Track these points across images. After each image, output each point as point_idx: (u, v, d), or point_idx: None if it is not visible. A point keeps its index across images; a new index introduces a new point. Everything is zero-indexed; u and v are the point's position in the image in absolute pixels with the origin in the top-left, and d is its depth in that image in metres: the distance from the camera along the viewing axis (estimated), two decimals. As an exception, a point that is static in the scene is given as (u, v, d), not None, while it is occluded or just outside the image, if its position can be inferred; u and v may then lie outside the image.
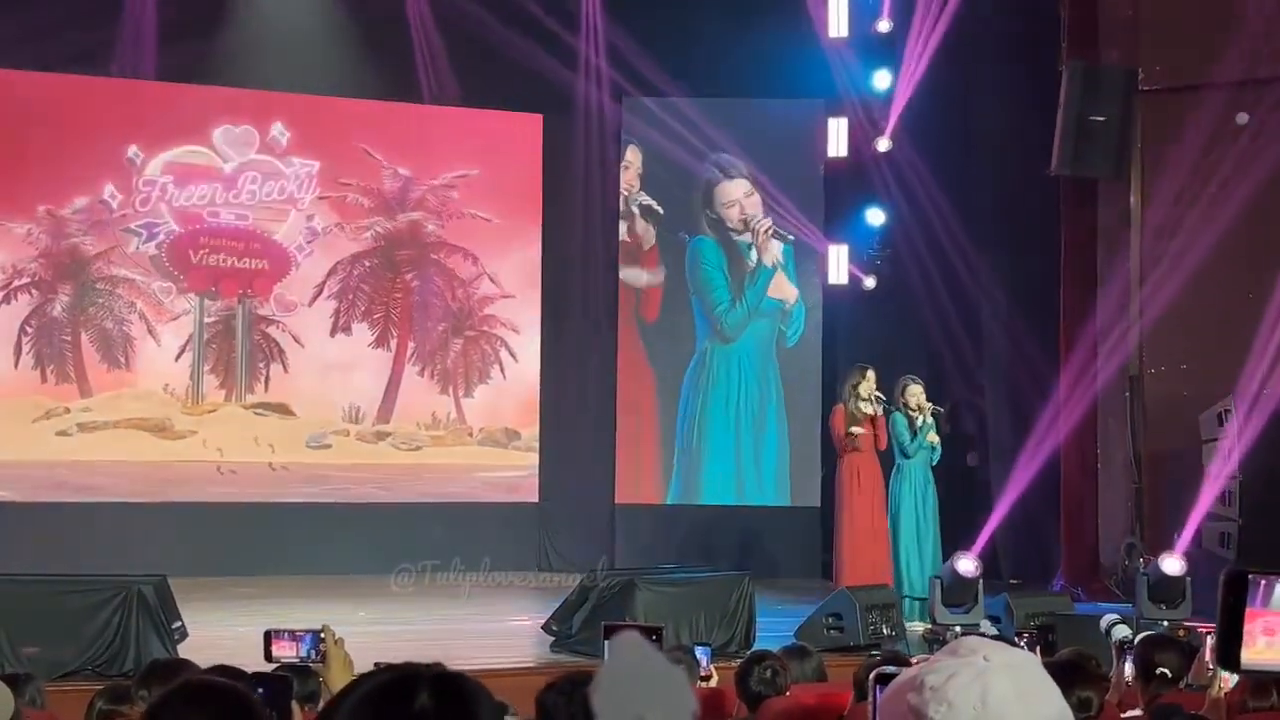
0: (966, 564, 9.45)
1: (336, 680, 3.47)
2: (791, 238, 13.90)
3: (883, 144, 12.77)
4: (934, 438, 10.38)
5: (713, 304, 14.04)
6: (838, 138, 13.41)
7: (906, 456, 10.33)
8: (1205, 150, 11.36)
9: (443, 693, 1.44)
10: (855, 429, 10.34)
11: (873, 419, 10.32)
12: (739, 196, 14.07)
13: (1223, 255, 11.42)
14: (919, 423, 10.30)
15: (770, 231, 13.94)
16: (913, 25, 12.37)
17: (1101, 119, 11.66)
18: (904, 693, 1.61)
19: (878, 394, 10.37)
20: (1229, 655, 2.00)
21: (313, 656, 3.58)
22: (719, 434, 13.78)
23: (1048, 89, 11.86)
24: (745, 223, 14.06)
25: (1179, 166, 11.49)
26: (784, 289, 14.02)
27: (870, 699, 2.55)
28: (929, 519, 10.34)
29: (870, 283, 13.27)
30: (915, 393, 10.38)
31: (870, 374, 10.45)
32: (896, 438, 10.33)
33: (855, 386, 10.39)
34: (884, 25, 12.61)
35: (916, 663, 1.78)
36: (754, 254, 14.08)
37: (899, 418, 10.33)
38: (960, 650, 1.62)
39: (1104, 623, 6.46)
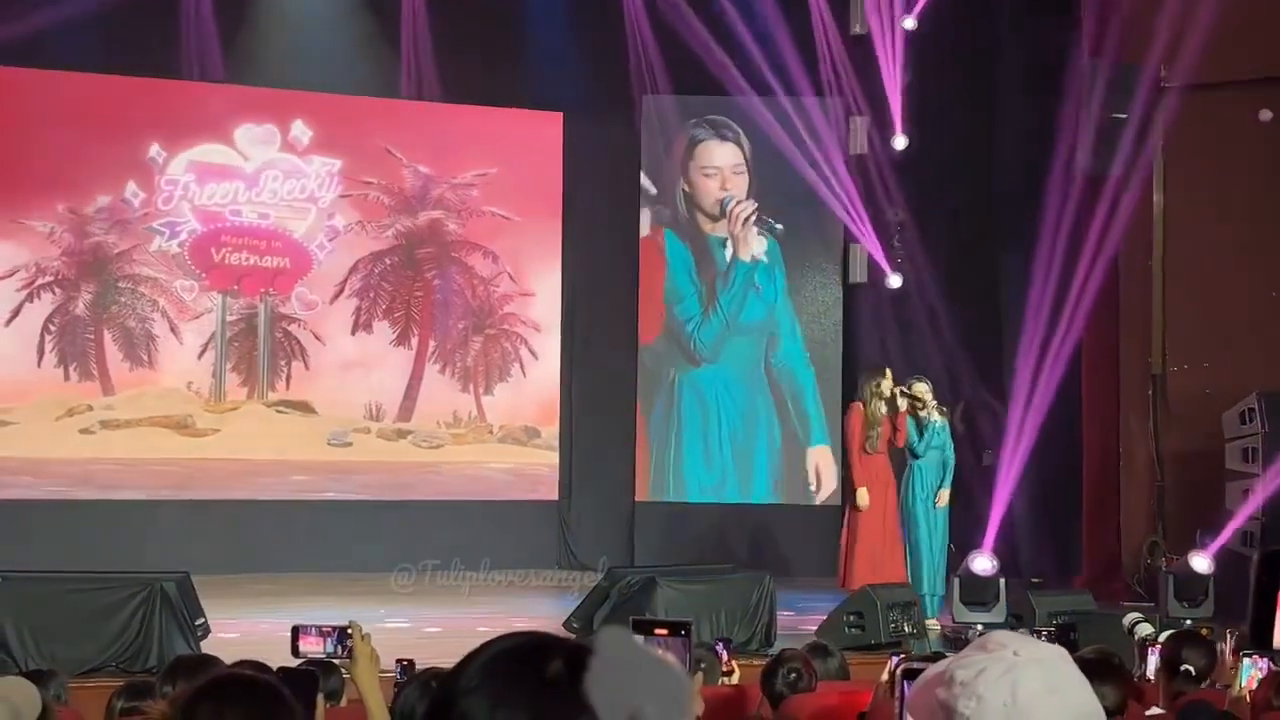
0: (983, 563, 9.43)
1: (363, 676, 3.48)
2: (780, 227, 13.22)
3: (899, 141, 12.74)
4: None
5: (679, 318, 13.62)
6: (858, 135, 13.37)
7: (916, 456, 10.25)
8: (1228, 148, 11.32)
9: (576, 663, 1.42)
10: (874, 431, 10.20)
11: (893, 418, 10.22)
12: (724, 165, 13.61)
13: (1245, 253, 11.38)
14: (926, 422, 10.21)
15: (751, 218, 13.33)
16: (935, 23, 12.33)
17: (1123, 116, 11.62)
18: (933, 687, 1.61)
19: (900, 389, 10.28)
20: (1262, 635, 2.00)
21: (339, 652, 3.59)
22: (736, 431, 13.74)
23: (1069, 87, 11.82)
24: (722, 206, 13.56)
25: (1201, 164, 11.46)
26: (763, 296, 13.40)
27: (897, 694, 2.54)
28: (941, 519, 10.24)
29: (896, 281, 13.15)
30: (922, 391, 10.28)
31: (889, 373, 10.36)
32: (906, 438, 10.27)
33: (877, 386, 10.26)
34: (910, 23, 12.56)
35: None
36: (728, 249, 13.56)
37: (909, 421, 10.26)
38: (990, 645, 1.61)
39: (1127, 621, 6.45)
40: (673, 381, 13.62)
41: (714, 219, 13.66)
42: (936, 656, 4.76)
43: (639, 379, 13.77)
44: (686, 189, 13.71)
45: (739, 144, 13.59)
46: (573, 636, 1.49)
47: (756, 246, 13.59)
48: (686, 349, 13.63)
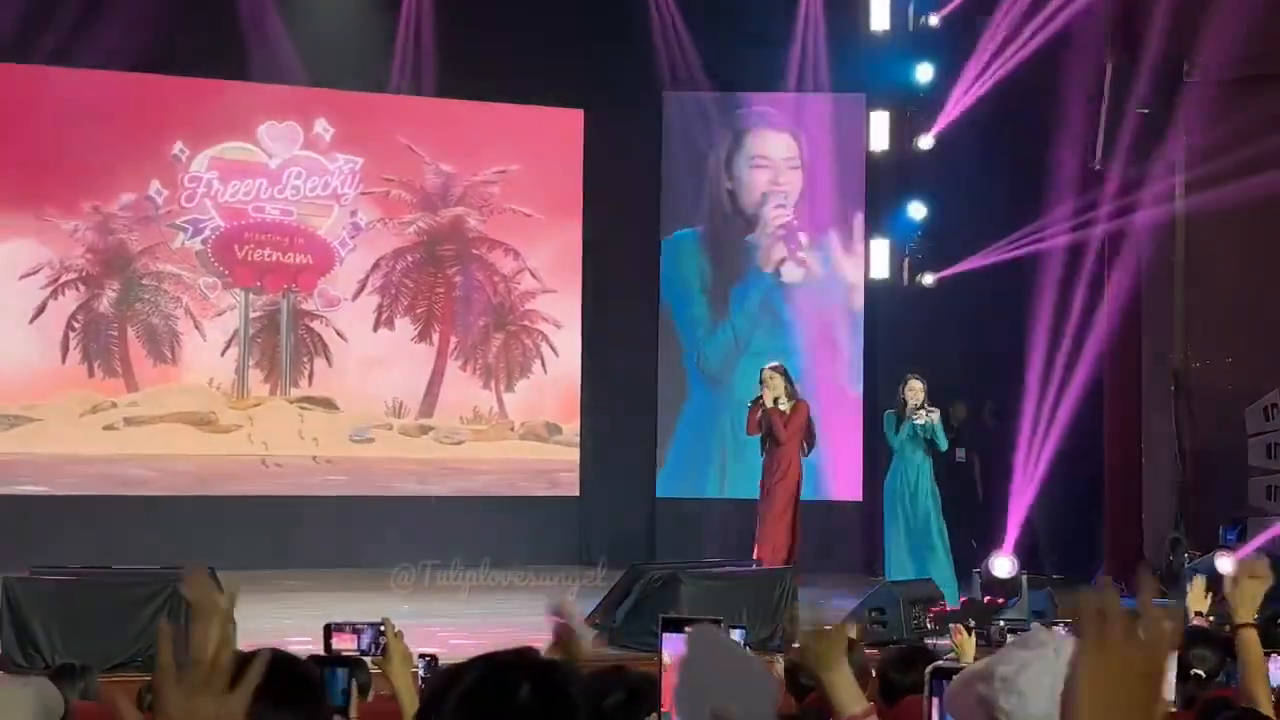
0: (1003, 564, 9.42)
1: (397, 673, 3.49)
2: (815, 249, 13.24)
3: (925, 141, 12.72)
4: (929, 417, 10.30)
5: (688, 323, 13.55)
6: (880, 131, 13.35)
7: (893, 450, 10.41)
8: (1250, 143, 11.28)
9: (543, 684, 1.45)
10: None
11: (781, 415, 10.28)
12: (777, 158, 13.56)
13: (1268, 248, 11.35)
14: (908, 420, 10.28)
15: (781, 224, 13.29)
16: (956, 19, 12.32)
17: (1146, 111, 11.60)
18: (974, 684, 1.63)
19: (787, 392, 10.37)
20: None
21: (373, 649, 3.61)
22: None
23: (1092, 82, 11.79)
24: (766, 202, 13.53)
25: (1224, 159, 11.42)
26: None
27: (926, 693, 2.55)
28: (926, 511, 10.27)
29: (929, 279, 13.01)
30: (914, 388, 10.37)
31: (775, 371, 10.41)
32: (887, 434, 10.44)
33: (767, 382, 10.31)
34: (935, 20, 12.54)
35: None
36: (759, 260, 13.39)
37: (889, 416, 10.45)
38: (1031, 642, 1.63)
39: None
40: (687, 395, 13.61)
41: (750, 222, 13.54)
42: (916, 653, 4.76)
43: (659, 376, 13.77)
44: (730, 186, 13.63)
45: (795, 136, 13.48)
46: (541, 654, 1.55)
47: (792, 265, 13.51)
48: (699, 364, 13.57)
